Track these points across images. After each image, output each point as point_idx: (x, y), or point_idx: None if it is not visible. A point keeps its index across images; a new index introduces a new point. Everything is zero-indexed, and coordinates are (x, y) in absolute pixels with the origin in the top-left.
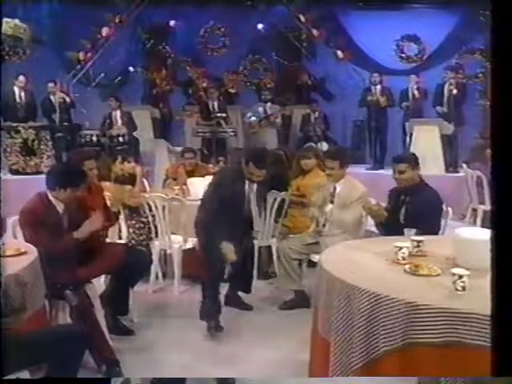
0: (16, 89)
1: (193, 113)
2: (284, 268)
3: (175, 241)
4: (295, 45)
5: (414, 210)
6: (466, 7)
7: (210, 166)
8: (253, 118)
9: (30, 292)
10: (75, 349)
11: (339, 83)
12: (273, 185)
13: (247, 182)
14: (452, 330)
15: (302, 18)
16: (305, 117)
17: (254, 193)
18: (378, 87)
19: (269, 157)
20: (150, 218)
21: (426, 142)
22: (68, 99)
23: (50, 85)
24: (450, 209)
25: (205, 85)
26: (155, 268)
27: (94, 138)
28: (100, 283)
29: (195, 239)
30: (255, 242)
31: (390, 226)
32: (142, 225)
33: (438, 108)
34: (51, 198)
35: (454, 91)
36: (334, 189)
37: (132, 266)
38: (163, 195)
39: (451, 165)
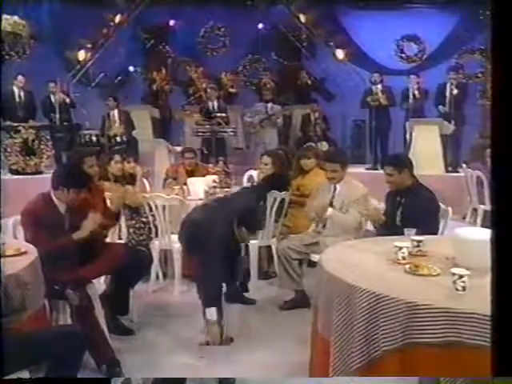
0: (15, 88)
1: (193, 113)
2: (284, 268)
3: (175, 241)
4: (295, 45)
5: (409, 212)
6: (465, 7)
7: (210, 165)
8: (254, 118)
9: (29, 292)
10: (75, 349)
11: (339, 83)
12: (273, 185)
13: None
14: (452, 330)
15: (302, 18)
16: (305, 117)
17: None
18: (379, 87)
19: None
20: (150, 218)
21: (427, 141)
22: (68, 99)
23: (51, 85)
24: (450, 209)
25: (205, 85)
26: (155, 268)
27: (94, 138)
28: (100, 283)
29: None
30: (254, 242)
31: (386, 228)
32: (142, 225)
33: (440, 107)
34: (54, 198)
35: (455, 91)
36: (335, 189)
37: (132, 266)
38: (163, 195)
39: (451, 165)
